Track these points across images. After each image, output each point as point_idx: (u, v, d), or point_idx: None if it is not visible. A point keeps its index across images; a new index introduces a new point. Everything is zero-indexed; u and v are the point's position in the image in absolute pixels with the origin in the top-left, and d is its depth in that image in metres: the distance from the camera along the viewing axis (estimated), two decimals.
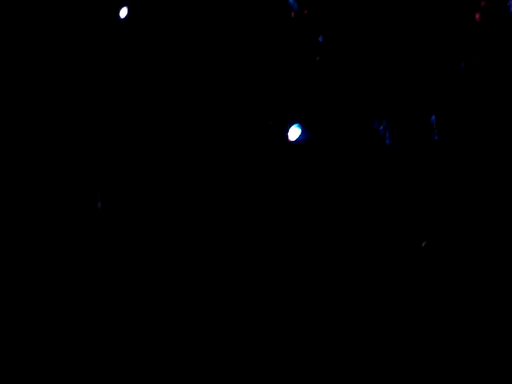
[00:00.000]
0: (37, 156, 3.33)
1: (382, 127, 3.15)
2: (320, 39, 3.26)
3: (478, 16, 3.06)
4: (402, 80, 3.19)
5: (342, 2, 3.24)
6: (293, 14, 3.28)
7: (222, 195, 3.29)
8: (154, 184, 3.38)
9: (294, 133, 3.19)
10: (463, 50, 3.11)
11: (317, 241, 3.16)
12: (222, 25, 3.37)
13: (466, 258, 2.97)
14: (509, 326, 2.83)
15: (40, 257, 3.20)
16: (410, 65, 3.18)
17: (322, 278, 3.11)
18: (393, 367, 2.94)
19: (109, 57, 3.54)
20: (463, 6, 3.12)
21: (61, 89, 3.49)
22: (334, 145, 3.23)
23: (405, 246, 3.05)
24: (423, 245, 3.05)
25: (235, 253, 3.19)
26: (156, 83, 3.48)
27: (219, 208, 3.28)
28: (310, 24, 3.27)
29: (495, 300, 2.90)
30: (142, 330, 3.10)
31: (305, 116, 3.26)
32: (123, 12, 3.53)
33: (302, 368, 2.98)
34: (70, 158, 3.35)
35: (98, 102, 3.49)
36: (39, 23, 3.51)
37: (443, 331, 2.93)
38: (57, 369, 3.03)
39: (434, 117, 2.98)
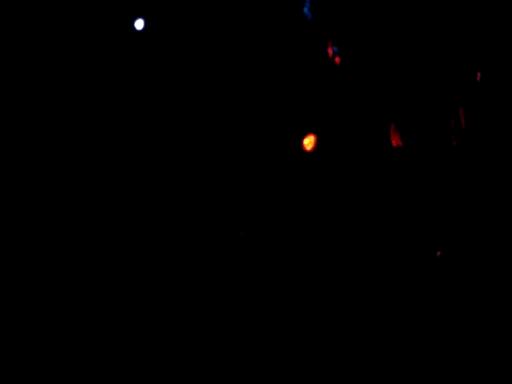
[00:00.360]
0: (37, 156, 3.33)
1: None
2: (335, 49, 3.27)
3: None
4: (419, 91, 3.19)
5: (358, 12, 3.26)
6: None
7: (231, 206, 3.28)
8: (165, 197, 3.37)
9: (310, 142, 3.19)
10: (478, 61, 3.12)
11: (330, 249, 3.13)
12: (236, 34, 3.40)
13: (486, 270, 2.93)
14: None
15: (39, 256, 3.17)
16: (428, 76, 3.18)
17: (329, 286, 3.08)
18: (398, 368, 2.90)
19: (124, 68, 3.56)
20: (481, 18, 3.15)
21: (73, 99, 3.50)
22: (350, 155, 3.22)
23: (422, 255, 3.02)
24: (438, 254, 3.01)
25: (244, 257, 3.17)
26: (171, 94, 3.50)
27: (227, 218, 3.27)
28: (325, 33, 3.29)
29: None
30: (141, 330, 3.07)
31: (320, 126, 3.25)
32: (139, 24, 3.56)
33: (301, 368, 2.94)
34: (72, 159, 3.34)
35: (110, 112, 3.50)
36: (53, 32, 3.54)
37: (457, 343, 2.89)
38: (57, 369, 3.00)
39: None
